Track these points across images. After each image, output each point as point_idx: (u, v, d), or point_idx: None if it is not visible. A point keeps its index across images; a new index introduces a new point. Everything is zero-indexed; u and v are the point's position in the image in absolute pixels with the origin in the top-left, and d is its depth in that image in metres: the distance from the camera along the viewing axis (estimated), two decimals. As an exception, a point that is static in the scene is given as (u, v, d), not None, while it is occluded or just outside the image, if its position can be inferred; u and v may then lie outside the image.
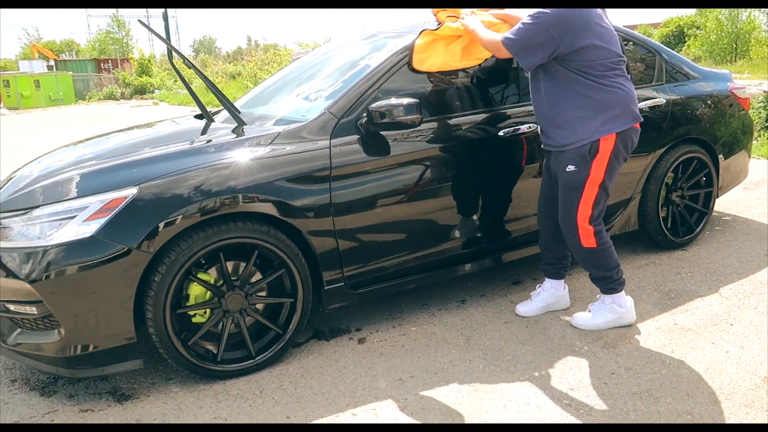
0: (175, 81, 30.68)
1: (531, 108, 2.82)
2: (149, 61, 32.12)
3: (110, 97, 28.61)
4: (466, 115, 2.90)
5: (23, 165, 3.03)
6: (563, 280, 2.93)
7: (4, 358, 2.68)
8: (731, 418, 2.08)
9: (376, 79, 2.72)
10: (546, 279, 2.93)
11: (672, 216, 3.63)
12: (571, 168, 2.56)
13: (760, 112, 7.04)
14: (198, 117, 3.29)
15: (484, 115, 2.94)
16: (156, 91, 28.46)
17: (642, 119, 2.64)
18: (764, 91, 7.43)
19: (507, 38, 2.52)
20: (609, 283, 2.70)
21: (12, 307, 2.30)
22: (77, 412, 2.28)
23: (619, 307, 2.72)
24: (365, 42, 3.26)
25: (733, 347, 2.53)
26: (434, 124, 2.80)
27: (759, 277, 3.22)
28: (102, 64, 33.42)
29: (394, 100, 2.53)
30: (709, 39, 22.49)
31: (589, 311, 2.78)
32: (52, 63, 34.01)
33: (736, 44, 22.24)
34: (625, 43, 3.47)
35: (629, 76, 2.61)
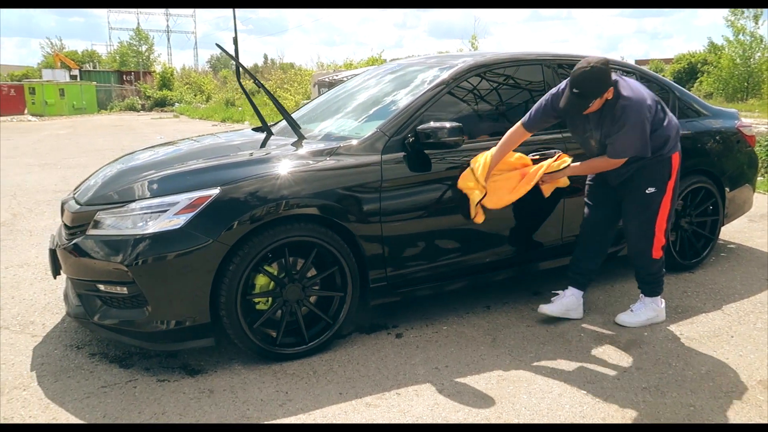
0: (195, 95, 31.44)
1: (557, 135, 3.25)
2: (171, 75, 32.96)
3: (131, 108, 29.35)
4: (500, 138, 3.26)
5: (103, 167, 3.40)
6: (583, 292, 3.26)
7: (79, 336, 3.03)
8: (729, 412, 2.38)
9: (423, 104, 3.09)
10: (569, 287, 3.26)
11: (681, 240, 3.96)
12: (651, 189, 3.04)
13: (764, 150, 7.39)
14: (256, 130, 3.67)
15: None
16: (176, 104, 29.15)
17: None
18: (770, 130, 7.80)
19: (621, 151, 2.90)
20: (656, 287, 3.19)
21: (102, 287, 2.65)
22: (155, 381, 2.61)
23: (657, 306, 3.19)
24: (395, 73, 3.65)
25: (732, 355, 2.84)
26: (473, 146, 3.15)
27: (759, 298, 3.53)
28: (125, 76, 34.30)
29: (439, 123, 2.90)
30: (722, 76, 22.93)
31: (631, 311, 3.22)
32: (75, 73, 34.87)
33: (747, 82, 22.63)
34: (641, 81, 3.83)
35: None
